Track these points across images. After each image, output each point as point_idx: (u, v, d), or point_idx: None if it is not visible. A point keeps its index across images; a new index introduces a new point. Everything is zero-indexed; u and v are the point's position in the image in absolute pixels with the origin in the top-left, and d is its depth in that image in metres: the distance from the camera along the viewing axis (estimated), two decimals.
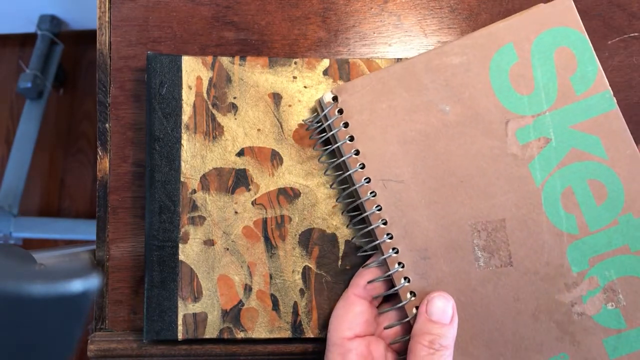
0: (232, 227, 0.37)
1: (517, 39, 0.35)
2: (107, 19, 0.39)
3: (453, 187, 0.35)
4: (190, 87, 0.37)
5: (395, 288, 0.35)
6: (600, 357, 0.34)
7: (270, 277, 0.37)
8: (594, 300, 0.34)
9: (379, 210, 0.35)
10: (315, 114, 0.37)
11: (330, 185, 0.37)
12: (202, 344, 0.38)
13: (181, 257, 0.37)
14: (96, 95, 0.39)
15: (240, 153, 0.37)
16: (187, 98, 0.37)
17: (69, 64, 1.28)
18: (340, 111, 0.35)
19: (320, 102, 0.36)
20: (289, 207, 0.37)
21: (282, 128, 0.37)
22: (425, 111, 0.35)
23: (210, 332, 0.36)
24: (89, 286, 0.18)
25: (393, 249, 0.35)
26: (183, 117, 0.37)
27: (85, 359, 0.38)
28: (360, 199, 0.35)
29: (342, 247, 0.37)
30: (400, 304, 0.35)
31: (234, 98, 0.37)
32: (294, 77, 0.38)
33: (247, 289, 0.37)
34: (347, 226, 0.37)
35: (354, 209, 0.37)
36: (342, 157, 0.35)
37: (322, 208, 0.37)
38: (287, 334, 0.37)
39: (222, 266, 0.37)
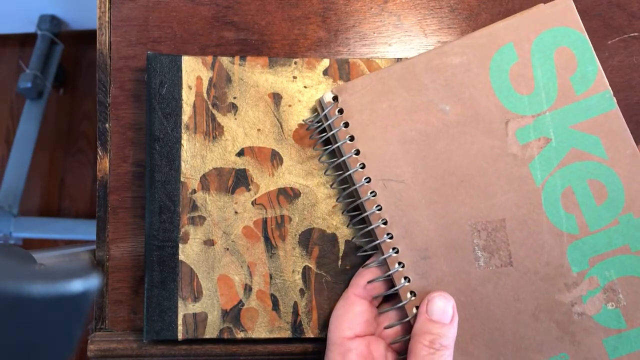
0: (232, 227, 0.37)
1: (517, 39, 0.35)
2: (107, 19, 0.39)
3: (453, 187, 0.35)
4: (190, 87, 0.37)
5: (396, 288, 0.35)
6: (600, 357, 0.34)
7: (270, 277, 0.37)
8: (594, 300, 0.34)
9: (379, 210, 0.35)
10: (316, 113, 0.37)
11: (330, 185, 0.37)
12: (202, 344, 0.38)
13: (181, 257, 0.37)
14: (96, 95, 0.39)
15: (240, 153, 0.37)
16: (187, 98, 0.37)
17: (69, 64, 1.28)
18: (341, 111, 0.35)
19: (320, 102, 0.36)
20: (289, 207, 0.37)
21: (282, 128, 0.37)
22: (426, 111, 0.35)
23: (210, 332, 0.36)
24: (89, 286, 0.18)
25: (393, 248, 0.35)
26: (183, 117, 0.37)
27: (85, 359, 0.38)
28: (360, 198, 0.35)
29: (342, 247, 0.37)
30: (401, 304, 0.35)
31: (234, 98, 0.37)
32: (294, 77, 0.38)
33: (247, 289, 0.37)
34: (347, 226, 0.37)
35: (354, 208, 0.37)
36: (342, 157, 0.35)
37: (322, 208, 0.37)
38: (287, 334, 0.37)
39: (222, 266, 0.37)
